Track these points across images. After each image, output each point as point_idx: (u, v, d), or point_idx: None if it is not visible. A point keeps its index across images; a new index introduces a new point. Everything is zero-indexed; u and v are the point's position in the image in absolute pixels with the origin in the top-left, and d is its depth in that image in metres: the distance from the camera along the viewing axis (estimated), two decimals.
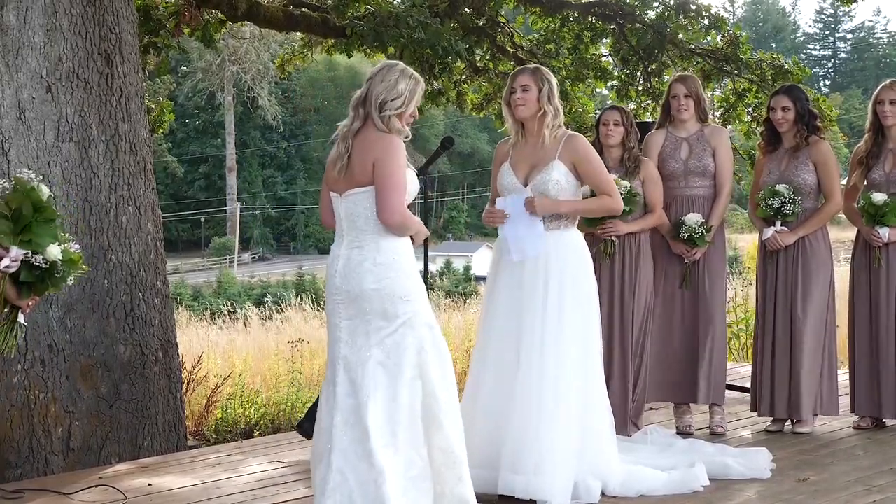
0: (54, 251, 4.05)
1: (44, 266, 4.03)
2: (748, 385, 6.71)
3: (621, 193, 5.91)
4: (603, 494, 5.04)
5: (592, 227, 6.05)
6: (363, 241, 4.37)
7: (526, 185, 5.14)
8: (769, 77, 10.83)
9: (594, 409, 5.14)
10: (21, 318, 4.13)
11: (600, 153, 6.20)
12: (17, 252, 3.98)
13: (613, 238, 6.05)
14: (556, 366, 4.99)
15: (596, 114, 8.86)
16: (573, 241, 5.19)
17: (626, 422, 6.01)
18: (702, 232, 6.17)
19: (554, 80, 5.18)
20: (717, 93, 11.58)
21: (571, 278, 5.10)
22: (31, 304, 4.13)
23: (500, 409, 5.03)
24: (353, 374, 4.33)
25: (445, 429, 4.36)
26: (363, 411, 4.26)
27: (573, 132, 5.24)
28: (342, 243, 4.44)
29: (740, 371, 8.26)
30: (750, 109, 11.35)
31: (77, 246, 4.16)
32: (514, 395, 5.01)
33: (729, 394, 6.79)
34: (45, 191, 4.06)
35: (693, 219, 6.19)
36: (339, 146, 4.42)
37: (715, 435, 6.26)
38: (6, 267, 3.97)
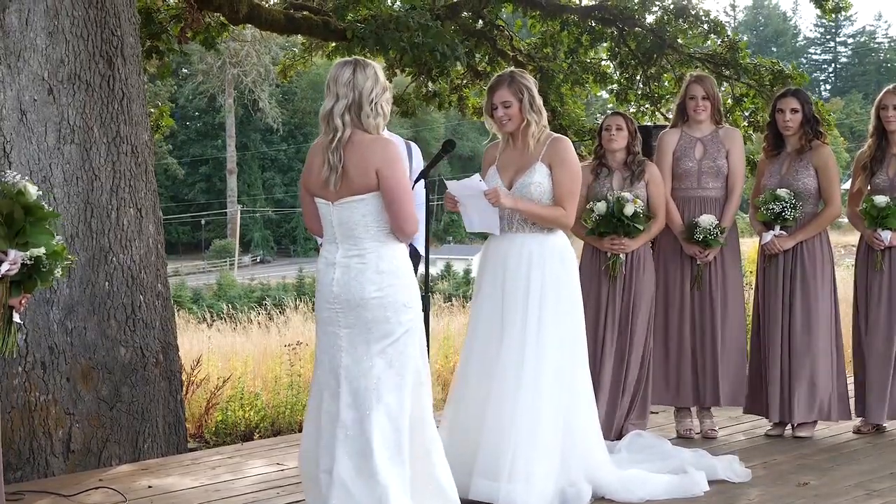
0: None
1: (29, 262, 4.03)
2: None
3: (637, 213, 5.89)
4: (602, 499, 5.03)
5: (599, 242, 6.04)
6: (363, 248, 4.29)
7: (510, 188, 5.12)
8: (768, 82, 10.84)
9: (581, 414, 5.12)
10: (16, 318, 4.12)
11: (602, 158, 6.19)
12: (15, 255, 3.98)
13: (620, 256, 6.04)
14: (536, 371, 4.96)
15: (597, 119, 8.86)
16: (556, 245, 5.15)
17: (626, 428, 5.99)
18: (716, 233, 6.17)
19: (532, 83, 5.14)
20: None
21: (553, 283, 5.07)
22: (23, 301, 4.13)
23: (478, 414, 4.99)
24: (355, 385, 4.26)
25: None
26: (366, 424, 4.21)
27: (559, 135, 5.22)
28: (337, 251, 4.34)
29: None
30: (747, 115, 11.34)
31: (60, 237, 4.16)
32: (490, 400, 4.97)
33: None
34: (32, 191, 4.04)
35: (707, 220, 6.18)
36: (329, 158, 4.23)
37: (707, 438, 6.26)
38: (7, 270, 3.97)
